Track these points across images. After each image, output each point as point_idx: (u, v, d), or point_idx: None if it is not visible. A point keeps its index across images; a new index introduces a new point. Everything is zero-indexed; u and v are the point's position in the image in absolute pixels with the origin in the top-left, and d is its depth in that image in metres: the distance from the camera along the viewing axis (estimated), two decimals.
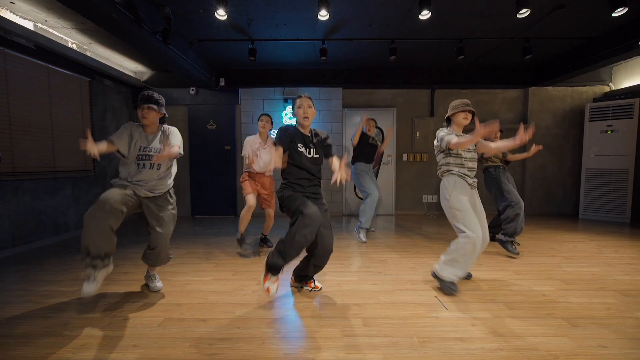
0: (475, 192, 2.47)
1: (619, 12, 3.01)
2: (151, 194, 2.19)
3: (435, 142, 2.55)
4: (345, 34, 4.23)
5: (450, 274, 2.32)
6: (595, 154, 5.26)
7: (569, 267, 2.89)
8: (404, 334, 1.76)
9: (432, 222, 5.14)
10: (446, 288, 2.33)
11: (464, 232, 2.27)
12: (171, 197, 2.32)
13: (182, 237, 4.18)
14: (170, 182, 2.33)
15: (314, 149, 2.26)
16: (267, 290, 2.03)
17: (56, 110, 4.02)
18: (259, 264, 3.03)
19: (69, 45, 4.13)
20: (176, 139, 2.25)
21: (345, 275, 2.73)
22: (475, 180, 2.46)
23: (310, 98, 2.27)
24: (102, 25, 3.17)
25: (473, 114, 2.44)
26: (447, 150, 2.42)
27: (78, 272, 2.80)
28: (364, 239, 3.81)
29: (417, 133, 5.84)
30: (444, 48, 4.65)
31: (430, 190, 5.93)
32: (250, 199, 3.26)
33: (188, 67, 4.53)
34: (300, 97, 2.26)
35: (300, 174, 2.22)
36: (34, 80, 3.72)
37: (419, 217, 5.72)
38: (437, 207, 5.91)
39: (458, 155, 2.43)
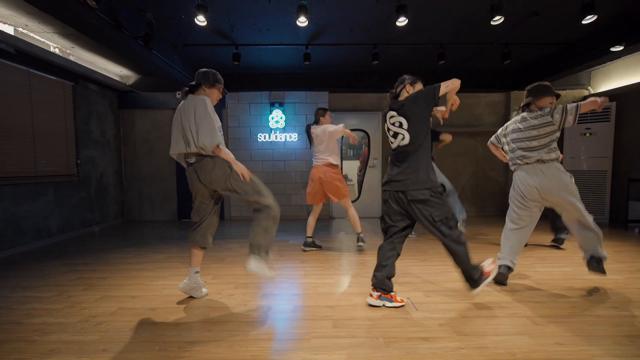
0: None
1: (588, 20, 3.12)
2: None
3: (560, 120, 2.22)
4: (328, 39, 4.29)
5: None
6: (574, 156, 5.38)
7: (542, 267, 2.97)
8: (371, 335, 1.81)
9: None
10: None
11: None
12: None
13: (166, 241, 4.17)
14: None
15: None
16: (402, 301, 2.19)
17: (38, 115, 4.00)
18: (240, 267, 3.06)
19: (52, 49, 4.12)
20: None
21: (323, 277, 2.77)
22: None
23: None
24: (82, 31, 3.19)
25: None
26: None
27: (55, 278, 2.80)
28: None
29: None
30: (426, 53, 4.74)
31: None
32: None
33: (172, 72, 4.55)
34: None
35: None
36: (14, 85, 3.71)
37: None
38: None
39: None
